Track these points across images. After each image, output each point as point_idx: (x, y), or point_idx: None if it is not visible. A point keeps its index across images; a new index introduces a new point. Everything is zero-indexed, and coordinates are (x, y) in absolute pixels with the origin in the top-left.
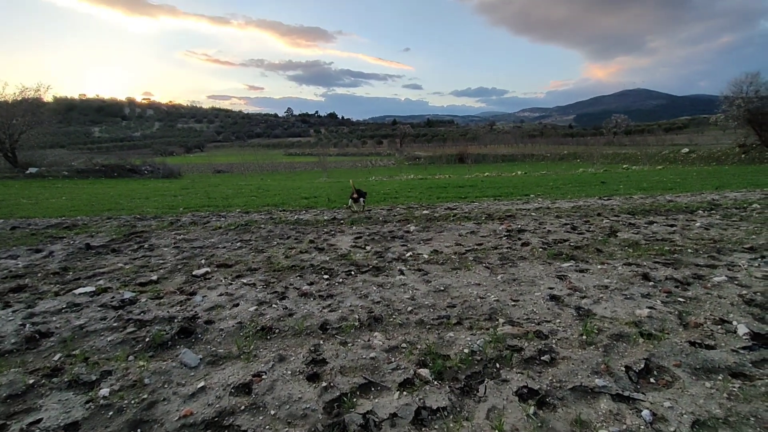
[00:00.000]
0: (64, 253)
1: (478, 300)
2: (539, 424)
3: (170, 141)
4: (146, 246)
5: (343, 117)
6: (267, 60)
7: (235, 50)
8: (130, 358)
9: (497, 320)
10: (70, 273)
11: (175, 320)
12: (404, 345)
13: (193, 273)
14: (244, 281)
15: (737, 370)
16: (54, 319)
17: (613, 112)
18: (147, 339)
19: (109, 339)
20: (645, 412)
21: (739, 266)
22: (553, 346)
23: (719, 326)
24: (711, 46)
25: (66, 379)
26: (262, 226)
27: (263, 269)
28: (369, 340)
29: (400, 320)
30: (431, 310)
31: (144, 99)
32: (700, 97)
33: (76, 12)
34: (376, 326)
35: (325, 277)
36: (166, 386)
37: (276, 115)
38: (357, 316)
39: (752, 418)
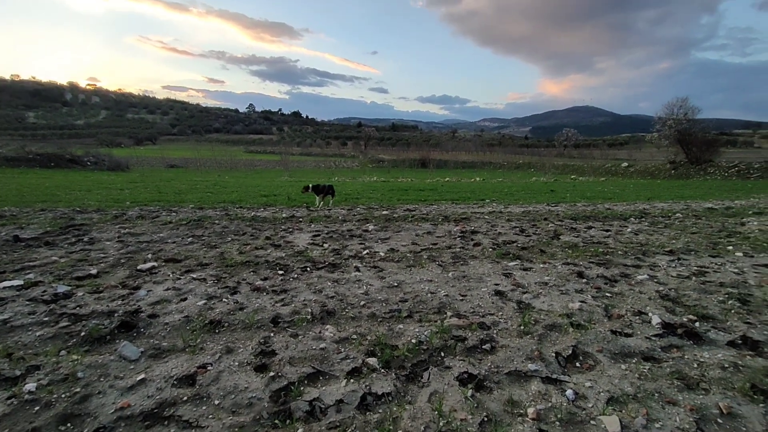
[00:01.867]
0: None
1: (429, 295)
2: (476, 405)
3: (118, 131)
4: (86, 239)
5: (307, 116)
6: (228, 53)
7: (194, 40)
8: (62, 352)
9: (445, 313)
10: None
11: (116, 314)
12: (355, 336)
13: (138, 267)
14: (194, 276)
15: (648, 354)
16: None
17: (565, 126)
18: (82, 333)
19: (38, 334)
20: (569, 392)
21: (660, 266)
22: (494, 336)
23: (637, 317)
24: (651, 70)
25: None
26: (217, 222)
27: (215, 265)
28: (320, 332)
29: (352, 314)
30: (384, 304)
31: (89, 85)
32: (640, 117)
33: None
34: (329, 319)
35: (280, 272)
36: (102, 379)
37: (237, 111)
38: (310, 310)
39: (656, 394)
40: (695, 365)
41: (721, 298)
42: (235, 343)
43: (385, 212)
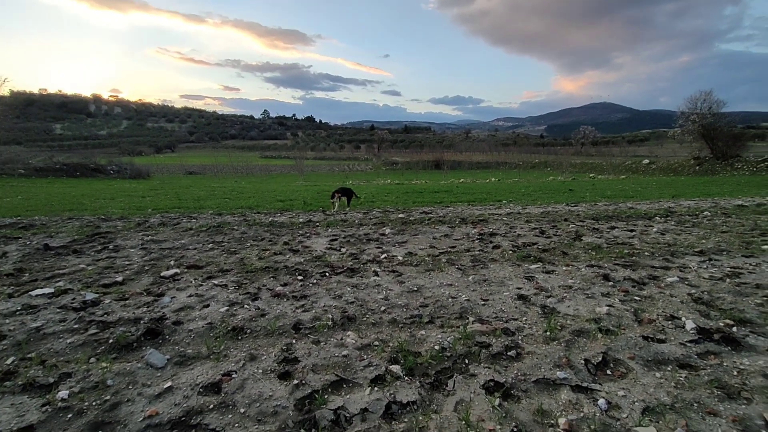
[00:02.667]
0: (19, 254)
1: (450, 300)
2: (504, 415)
3: (139, 140)
4: (111, 247)
5: (320, 121)
6: (243, 60)
7: (210, 49)
8: (92, 360)
9: (467, 318)
10: (26, 274)
11: (141, 321)
12: (377, 343)
13: (162, 274)
14: (215, 282)
15: (684, 361)
16: (7, 321)
17: (582, 123)
18: (110, 341)
19: (68, 341)
20: (601, 401)
21: (690, 268)
22: (519, 342)
23: (670, 322)
24: (671, 64)
25: (20, 383)
26: (236, 227)
27: (235, 270)
28: (342, 339)
29: (373, 319)
30: (404, 309)
31: (111, 96)
32: (661, 112)
33: (36, 2)
34: (350, 325)
35: (299, 278)
36: (130, 387)
37: (252, 117)
38: (330, 316)
39: (695, 404)
40: (735, 373)
41: (758, 301)
42: (258, 350)
43: (401, 215)
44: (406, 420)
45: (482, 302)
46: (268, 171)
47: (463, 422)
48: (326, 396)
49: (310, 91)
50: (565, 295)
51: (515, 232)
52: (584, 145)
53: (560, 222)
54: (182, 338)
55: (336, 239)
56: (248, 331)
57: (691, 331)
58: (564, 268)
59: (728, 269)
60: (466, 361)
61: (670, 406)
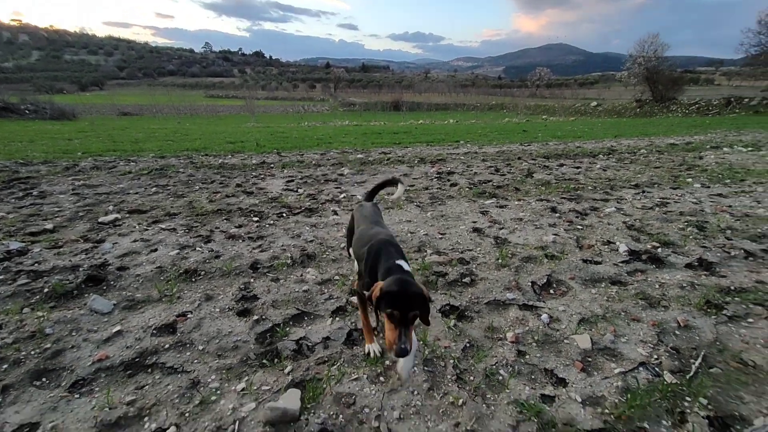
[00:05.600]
0: None
1: (409, 235)
2: (458, 333)
3: (57, 76)
4: (35, 193)
5: (271, 57)
6: None
7: None
8: (25, 310)
9: (426, 251)
10: None
11: (80, 269)
12: (337, 277)
13: (100, 220)
14: (163, 226)
15: (616, 279)
16: None
17: (538, 65)
18: (45, 290)
19: None
20: (544, 316)
21: (626, 199)
22: (473, 270)
23: (606, 246)
24: (626, 5)
25: None
26: (181, 170)
27: (184, 214)
28: (302, 275)
29: (333, 256)
30: None
31: (13, 21)
32: (612, 55)
33: None
34: (309, 263)
35: (255, 219)
36: (74, 334)
37: (192, 51)
38: (289, 255)
39: (623, 313)
40: (657, 286)
41: (681, 226)
42: (215, 290)
43: (359, 156)
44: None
45: (440, 236)
46: (215, 112)
47: (421, 342)
48: (287, 329)
49: (258, 21)
50: (516, 226)
51: (472, 170)
52: (539, 87)
53: (514, 161)
54: (129, 283)
55: (292, 180)
56: (202, 272)
57: (623, 253)
58: (516, 203)
59: (658, 200)
60: None
61: (602, 316)
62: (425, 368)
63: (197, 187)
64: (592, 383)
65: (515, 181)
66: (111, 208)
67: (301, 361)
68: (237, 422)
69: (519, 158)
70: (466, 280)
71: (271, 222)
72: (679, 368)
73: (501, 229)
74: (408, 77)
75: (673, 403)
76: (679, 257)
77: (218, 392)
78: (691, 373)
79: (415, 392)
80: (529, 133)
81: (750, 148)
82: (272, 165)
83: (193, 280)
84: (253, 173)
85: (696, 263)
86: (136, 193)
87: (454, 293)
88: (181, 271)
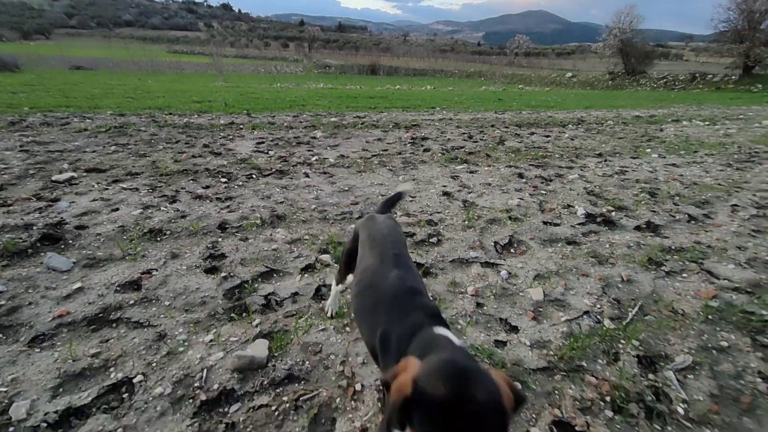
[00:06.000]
0: None
1: (380, 197)
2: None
3: None
4: None
5: (240, 10)
6: None
7: None
8: None
9: (396, 213)
10: None
11: (35, 227)
12: (307, 237)
13: (54, 178)
14: (124, 186)
15: (571, 239)
16: None
17: (518, 32)
18: None
19: None
20: (503, 272)
21: (589, 167)
22: (441, 230)
23: (566, 210)
24: None
25: None
26: (143, 129)
27: (147, 174)
28: (271, 235)
29: (303, 217)
30: (335, 207)
31: None
32: (590, 25)
33: None
34: (279, 223)
35: (223, 180)
36: (30, 291)
37: None
38: (259, 215)
39: (574, 269)
40: (607, 246)
41: (635, 192)
42: (181, 249)
43: (333, 119)
44: None
45: (410, 199)
46: (179, 69)
47: None
48: (256, 285)
49: None
50: (484, 191)
51: (446, 136)
52: (517, 56)
53: (487, 128)
54: (89, 242)
55: (263, 142)
56: (168, 232)
57: (581, 216)
58: (486, 169)
59: (618, 168)
60: None
61: (555, 272)
62: None
63: (161, 146)
64: (540, 330)
65: (487, 147)
66: (66, 166)
67: (269, 315)
68: (205, 370)
69: (492, 126)
70: (433, 240)
71: (240, 183)
72: (618, 316)
73: (470, 193)
74: (386, 39)
75: (610, 345)
76: (630, 220)
77: (186, 344)
78: (627, 320)
79: None
80: (505, 102)
81: (707, 123)
82: (242, 126)
83: (159, 239)
84: (221, 134)
85: (644, 226)
86: (94, 151)
87: (421, 252)
88: (145, 231)
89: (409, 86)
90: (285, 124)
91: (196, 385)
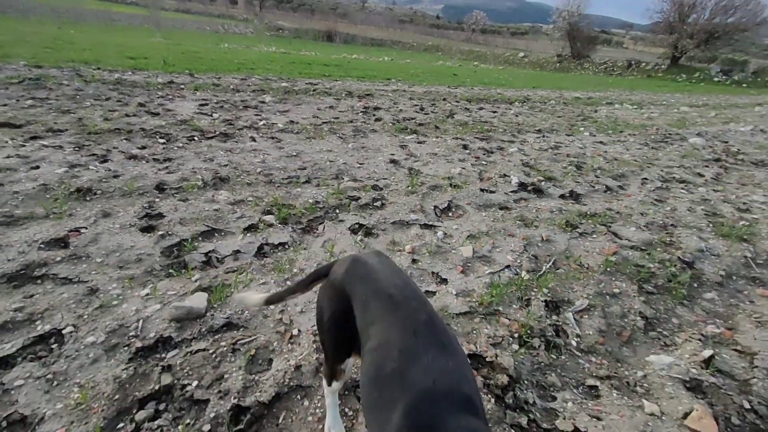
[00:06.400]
0: None
1: (328, 163)
2: (363, 246)
3: None
4: None
5: None
6: None
7: None
8: None
9: (343, 179)
10: None
11: None
12: (251, 199)
13: None
14: (45, 143)
15: (504, 205)
16: None
17: (476, 8)
18: None
19: None
20: (439, 233)
21: (528, 142)
22: (385, 195)
23: (502, 179)
24: None
25: None
26: (66, 83)
27: (72, 131)
28: (213, 197)
29: (248, 180)
30: (282, 171)
31: None
32: (544, 6)
33: None
34: (222, 185)
35: (161, 141)
36: None
37: None
38: (200, 177)
39: (502, 231)
40: (534, 211)
41: (564, 165)
42: (114, 208)
43: (284, 84)
44: (277, 256)
45: (358, 165)
46: (108, 20)
47: (328, 253)
48: (196, 244)
49: None
50: (430, 160)
51: (398, 107)
52: (474, 32)
53: (439, 101)
54: (5, 201)
55: (206, 104)
56: (98, 192)
57: (514, 185)
58: (434, 140)
59: (553, 143)
60: (337, 211)
61: (486, 233)
62: None
63: (88, 103)
64: (466, 281)
65: (437, 120)
66: None
67: (209, 271)
68: (141, 321)
69: (444, 99)
70: (377, 203)
71: (181, 145)
72: (534, 269)
73: (416, 161)
74: (343, 5)
75: (524, 293)
76: (557, 189)
77: (120, 297)
78: (541, 272)
79: (316, 291)
80: (459, 77)
81: (635, 106)
82: (183, 86)
83: (88, 198)
84: (159, 93)
85: (568, 194)
86: (5, 104)
87: (364, 214)
88: (72, 190)
89: (366, 56)
90: (231, 87)
91: (132, 334)
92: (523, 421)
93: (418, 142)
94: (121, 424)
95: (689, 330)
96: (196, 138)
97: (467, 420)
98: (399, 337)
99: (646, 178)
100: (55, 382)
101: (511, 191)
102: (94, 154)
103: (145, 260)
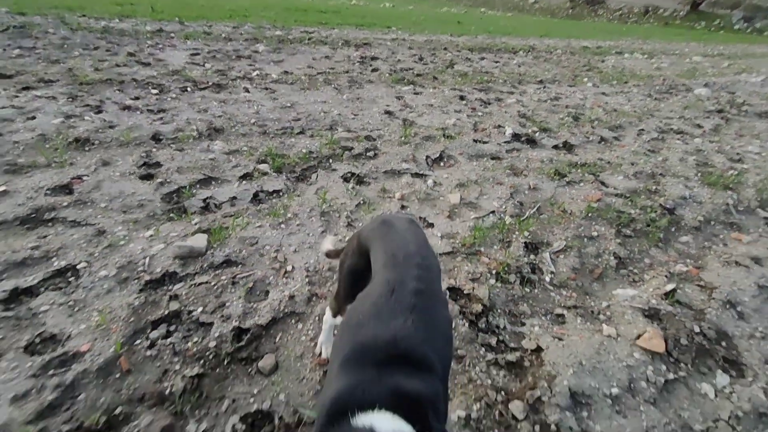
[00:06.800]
0: None
1: (322, 114)
2: (354, 194)
3: None
4: None
5: None
6: None
7: None
8: None
9: (337, 129)
10: None
11: None
12: (245, 149)
13: None
14: (38, 94)
15: (496, 155)
16: None
17: None
18: None
19: None
20: (429, 181)
21: (528, 93)
22: (378, 146)
23: (496, 130)
24: None
25: None
26: (51, 31)
27: (64, 82)
28: (209, 147)
29: (243, 131)
30: (276, 122)
31: None
32: None
33: None
34: (217, 136)
35: (154, 92)
36: None
37: None
38: (195, 128)
39: (491, 179)
40: (525, 161)
41: (561, 116)
42: (112, 158)
43: (278, 33)
44: (272, 202)
45: (352, 116)
46: None
47: (321, 200)
48: (194, 191)
49: None
50: (425, 111)
51: (396, 57)
52: None
53: (439, 51)
54: (7, 150)
55: (198, 54)
56: (96, 142)
57: (508, 136)
58: (431, 90)
59: (554, 94)
60: (330, 160)
61: (475, 181)
62: (322, 218)
63: (77, 52)
64: (452, 225)
65: (435, 70)
66: None
67: (208, 215)
68: (147, 258)
69: (445, 49)
70: (370, 153)
71: (174, 96)
72: (518, 214)
73: (411, 112)
74: None
75: (506, 235)
76: (551, 140)
77: (126, 238)
78: (524, 217)
79: (310, 234)
80: (463, 25)
81: (645, 56)
82: (173, 34)
83: (86, 148)
84: (149, 42)
85: (561, 145)
86: None
87: (357, 164)
88: (70, 140)
89: (366, 2)
90: (223, 36)
91: (140, 269)
92: (493, 341)
93: (415, 93)
94: (138, 341)
95: (659, 269)
96: (189, 89)
97: (406, 379)
98: (378, 293)
99: (642, 129)
100: (77, 308)
101: (504, 142)
102: (88, 105)
103: (146, 205)
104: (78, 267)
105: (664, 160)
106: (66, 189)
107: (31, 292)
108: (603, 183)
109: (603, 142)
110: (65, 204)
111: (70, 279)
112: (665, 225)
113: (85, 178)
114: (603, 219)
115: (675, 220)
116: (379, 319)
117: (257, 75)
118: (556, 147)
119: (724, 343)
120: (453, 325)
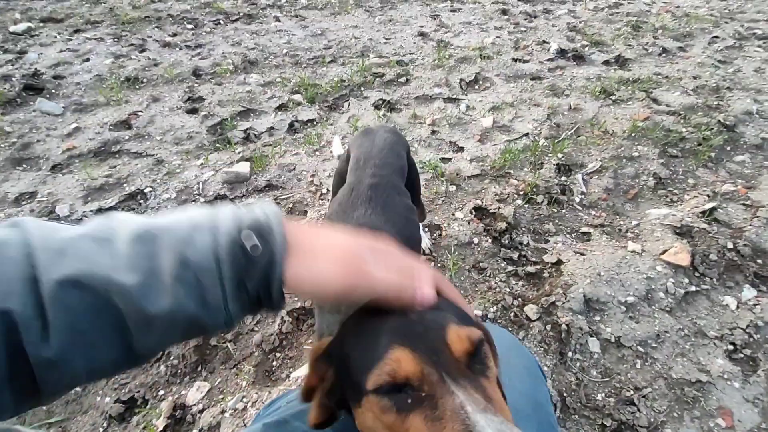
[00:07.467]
0: None
1: (354, 40)
2: (386, 120)
3: None
4: None
5: None
6: None
7: None
8: None
9: (368, 56)
10: None
11: (14, 78)
12: (279, 80)
13: (11, 30)
14: (87, 36)
15: (536, 75)
16: None
17: None
18: None
19: None
20: (462, 106)
21: (582, 1)
22: (410, 71)
23: (539, 46)
24: None
25: None
26: None
27: (108, 22)
28: (245, 80)
29: (276, 62)
30: (307, 52)
31: None
32: None
33: None
34: (252, 69)
35: (190, 27)
36: (34, 131)
37: None
38: (231, 61)
39: (528, 100)
40: (568, 80)
41: (619, 26)
42: (160, 94)
43: None
44: (306, 131)
45: (384, 41)
46: None
47: (353, 128)
48: (235, 122)
49: None
50: (462, 30)
51: None
52: None
53: None
54: (72, 91)
55: None
56: (144, 80)
57: (552, 53)
58: (470, 6)
59: (613, 1)
60: (362, 88)
61: (510, 104)
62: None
63: None
64: (482, 149)
65: None
66: (18, 16)
67: (249, 145)
68: (200, 183)
69: None
70: (402, 79)
71: (208, 30)
72: (553, 136)
73: (446, 32)
74: None
75: (538, 157)
76: (602, 55)
77: (181, 167)
78: (559, 139)
79: (338, 157)
80: None
81: None
82: None
83: (137, 87)
84: None
85: (613, 60)
86: None
87: (388, 90)
88: (122, 79)
89: None
90: None
91: (196, 192)
92: (515, 255)
93: (452, 11)
94: None
95: (702, 189)
96: (221, 21)
97: None
98: (342, 194)
99: (717, 37)
100: None
101: (548, 60)
102: (132, 44)
103: (195, 137)
104: (145, 191)
105: (736, 72)
106: (126, 124)
107: (112, 210)
108: (655, 100)
109: (664, 54)
110: (127, 138)
111: (140, 201)
112: (720, 143)
113: (140, 113)
114: (647, 138)
115: (733, 138)
116: (343, 214)
117: (286, 2)
118: (606, 62)
119: (759, 260)
120: (413, 210)
